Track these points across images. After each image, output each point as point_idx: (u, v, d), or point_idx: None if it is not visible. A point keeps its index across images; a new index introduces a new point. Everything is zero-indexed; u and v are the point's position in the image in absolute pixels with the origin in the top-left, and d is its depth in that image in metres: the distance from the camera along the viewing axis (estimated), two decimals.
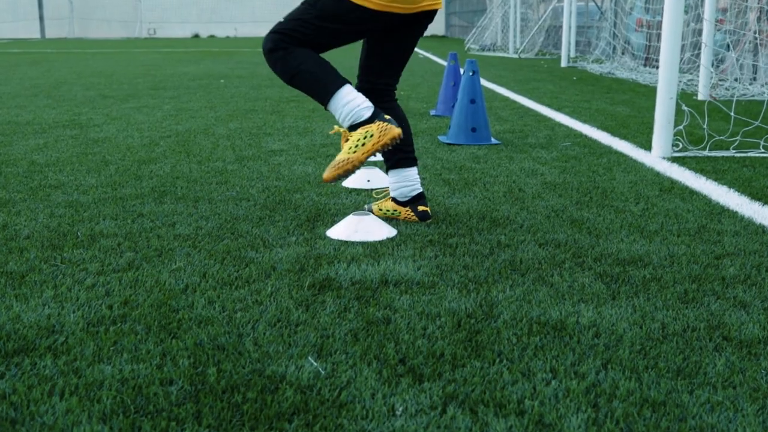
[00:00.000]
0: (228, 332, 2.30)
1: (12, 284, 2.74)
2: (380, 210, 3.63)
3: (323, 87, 3.26)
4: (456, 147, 5.58)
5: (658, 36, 13.59)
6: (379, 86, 3.52)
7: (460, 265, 2.92)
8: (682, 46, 12.80)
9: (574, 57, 16.99)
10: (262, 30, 46.42)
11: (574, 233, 3.35)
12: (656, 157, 5.14)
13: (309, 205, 3.85)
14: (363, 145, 3.19)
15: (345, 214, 3.65)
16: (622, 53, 14.60)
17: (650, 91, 9.90)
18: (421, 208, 3.57)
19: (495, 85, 11.05)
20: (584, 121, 6.99)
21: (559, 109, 7.97)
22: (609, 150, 5.45)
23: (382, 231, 3.27)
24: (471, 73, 5.69)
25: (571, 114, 7.54)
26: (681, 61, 12.22)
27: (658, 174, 4.61)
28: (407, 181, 3.57)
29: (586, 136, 6.11)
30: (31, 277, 2.80)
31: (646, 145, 5.62)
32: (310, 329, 2.33)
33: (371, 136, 3.19)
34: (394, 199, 3.60)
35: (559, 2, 19.53)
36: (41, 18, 46.66)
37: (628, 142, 5.81)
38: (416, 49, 24.10)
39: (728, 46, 12.61)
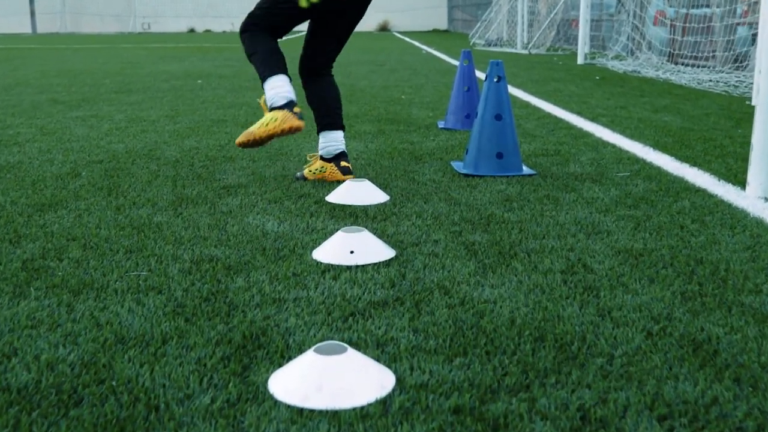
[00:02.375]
0: None
1: None
2: (311, 172, 4.15)
3: (264, 70, 3.92)
4: (477, 179, 4.07)
5: (684, 30, 12.11)
6: (316, 65, 4.22)
7: None
8: (719, 43, 11.31)
9: (591, 53, 15.43)
10: None
11: (709, 382, 1.83)
12: (756, 199, 3.63)
13: (254, 305, 2.34)
14: (267, 125, 3.77)
15: (310, 324, 2.15)
16: (648, 48, 13.06)
17: (692, 94, 8.41)
18: (343, 163, 4.12)
19: (510, 86, 9.50)
20: (631, 137, 5.48)
21: (594, 119, 6.45)
22: (684, 185, 3.94)
23: (367, 387, 1.76)
24: (496, 80, 4.16)
25: (611, 126, 6.03)
26: (721, 60, 10.72)
27: None
28: (333, 141, 4.11)
29: (643, 161, 4.60)
30: None
31: (729, 176, 4.13)
32: None
33: (276, 120, 3.76)
34: (321, 157, 4.14)
35: None
36: (32, 13, 45.59)
37: (702, 170, 4.31)
38: (418, 45, 22.53)
39: (753, 39, 11.17)
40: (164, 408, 1.75)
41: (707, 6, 12.41)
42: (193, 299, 2.40)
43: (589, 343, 2.08)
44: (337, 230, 3.04)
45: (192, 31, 44.27)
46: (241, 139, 3.81)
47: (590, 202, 3.62)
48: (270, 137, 3.75)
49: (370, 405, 1.75)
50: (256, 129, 3.76)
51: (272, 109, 3.78)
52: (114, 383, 1.86)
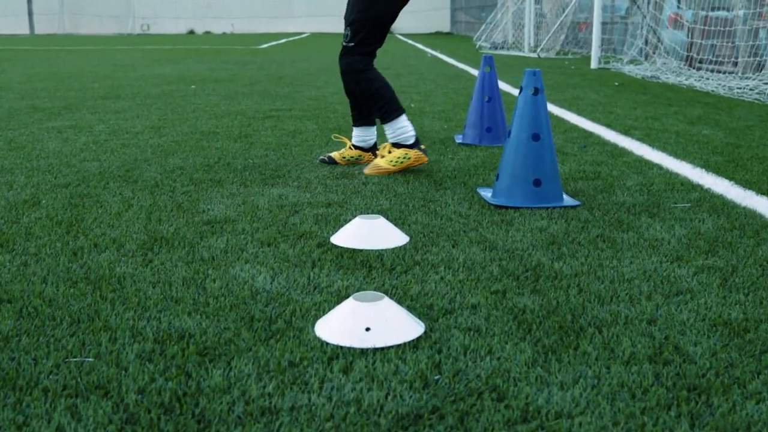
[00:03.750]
0: None
1: None
2: (344, 158, 4.50)
3: (390, 109, 4.22)
4: (511, 212, 3.38)
5: (702, 33, 11.43)
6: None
7: None
8: (738, 47, 10.64)
9: (604, 57, 14.74)
10: (260, 26, 44.78)
11: None
12: None
13: (233, 422, 1.68)
14: (401, 162, 4.18)
15: None
16: (667, 53, 12.38)
17: (722, 102, 7.75)
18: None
19: None
20: (676, 155, 4.80)
21: (626, 132, 5.77)
22: (761, 221, 3.28)
23: None
24: (533, 92, 3.46)
25: (648, 141, 5.35)
26: (744, 66, 10.03)
27: None
28: (370, 134, 4.55)
29: (700, 187, 3.92)
30: None
31: None
32: None
33: (409, 158, 4.18)
34: (358, 147, 4.53)
35: None
36: (30, 13, 45.13)
37: None
38: (423, 48, 21.84)
39: None
40: None
41: (726, 9, 11.78)
42: (150, 408, 1.70)
43: None
44: (347, 290, 2.34)
45: (192, 32, 43.64)
46: (371, 171, 4.20)
47: (655, 246, 2.93)
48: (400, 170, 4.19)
49: None
50: (389, 166, 4.17)
51: (401, 146, 4.20)
52: None
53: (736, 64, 10.95)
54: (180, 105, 7.74)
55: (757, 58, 10.65)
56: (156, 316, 2.26)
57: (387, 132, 4.21)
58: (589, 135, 5.74)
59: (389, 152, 4.16)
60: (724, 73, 10.84)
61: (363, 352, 2.00)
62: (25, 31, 44.43)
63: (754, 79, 9.71)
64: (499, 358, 1.97)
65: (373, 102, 4.19)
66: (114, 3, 45.24)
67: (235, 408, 1.73)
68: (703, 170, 4.42)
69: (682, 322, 2.22)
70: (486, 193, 3.71)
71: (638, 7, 14.32)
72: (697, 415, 1.70)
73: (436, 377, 1.86)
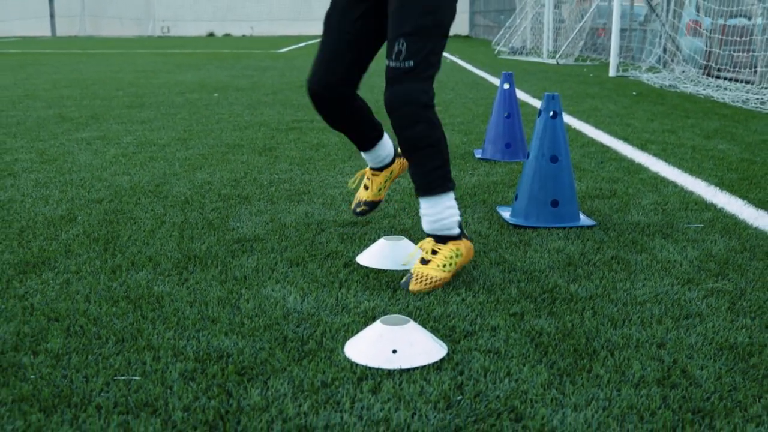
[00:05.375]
0: None
1: None
2: (379, 191, 3.54)
3: (445, 173, 2.92)
4: (529, 232, 3.52)
5: (720, 42, 11.52)
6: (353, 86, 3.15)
7: None
8: (759, 57, 10.72)
9: (622, 64, 14.84)
10: (279, 28, 45.03)
11: None
12: None
13: None
14: (453, 265, 2.90)
15: None
16: (685, 61, 12.48)
17: (739, 114, 7.86)
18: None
19: None
20: (691, 172, 4.93)
21: (643, 147, 5.90)
22: None
23: None
24: (551, 115, 3.61)
25: (665, 157, 5.48)
26: (760, 76, 10.12)
27: None
28: (385, 149, 3.47)
29: (713, 206, 4.05)
30: None
31: None
32: None
33: (460, 255, 2.93)
34: (379, 168, 3.50)
35: (602, 1, 17.42)
36: (52, 15, 45.51)
37: None
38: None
39: None
40: None
41: (747, 17, 11.85)
42: (196, 425, 1.86)
43: None
44: (374, 311, 2.50)
45: (211, 35, 43.92)
46: (419, 288, 2.84)
47: (667, 269, 3.06)
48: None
49: None
50: (443, 273, 2.88)
51: (445, 239, 2.94)
52: None
53: (755, 73, 11.03)
54: (204, 115, 7.91)
55: None
56: (195, 335, 2.42)
57: (426, 214, 2.94)
58: (606, 150, 5.87)
59: (432, 251, 2.93)
60: (743, 82, 10.93)
61: (390, 373, 2.15)
62: (47, 33, 44.81)
63: None
64: (517, 380, 2.12)
65: (428, 158, 2.87)
66: (134, 5, 45.57)
67: (274, 426, 1.88)
68: (717, 188, 4.54)
69: (690, 345, 2.36)
70: (505, 213, 3.85)
71: (656, 14, 14.42)
72: None
73: (458, 398, 2.01)
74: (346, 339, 2.38)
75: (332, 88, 3.06)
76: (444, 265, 2.88)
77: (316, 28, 43.93)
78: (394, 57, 2.80)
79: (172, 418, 1.92)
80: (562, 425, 1.89)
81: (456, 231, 2.95)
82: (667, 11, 13.92)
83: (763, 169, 5.11)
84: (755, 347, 2.35)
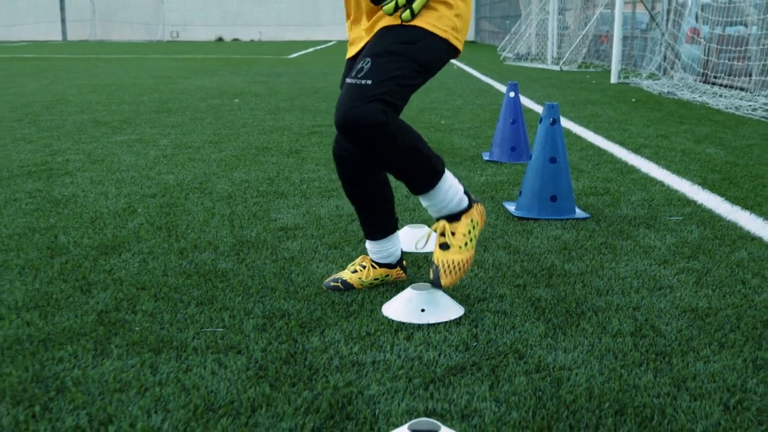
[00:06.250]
0: None
1: None
2: (362, 283, 3.17)
3: (432, 169, 2.76)
4: (532, 223, 4.10)
5: (717, 50, 12.08)
6: None
7: None
8: (754, 66, 11.29)
9: (624, 71, 15.42)
10: (287, 34, 45.60)
11: None
12: None
13: (333, 368, 2.41)
14: (472, 239, 2.85)
15: (392, 391, 2.21)
16: (683, 69, 13.06)
17: (730, 120, 8.42)
18: (404, 263, 3.25)
19: None
20: (678, 173, 5.50)
21: (636, 151, 6.48)
22: (739, 232, 3.96)
23: None
24: (551, 122, 4.20)
25: (656, 160, 6.05)
26: (757, 84, 10.69)
27: None
28: (392, 245, 3.19)
29: (694, 202, 4.62)
30: None
31: None
32: None
33: (476, 225, 2.88)
34: (381, 264, 3.17)
35: (605, 9, 18.00)
36: (63, 20, 46.03)
37: (755, 215, 4.35)
38: None
39: None
40: None
41: (744, 24, 12.36)
42: (274, 361, 2.45)
43: (668, 417, 2.11)
44: (403, 283, 3.09)
45: (220, 39, 44.53)
46: (451, 280, 2.85)
47: (648, 252, 3.65)
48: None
49: None
50: (465, 255, 2.84)
51: (461, 212, 2.86)
52: None
53: (750, 81, 11.60)
54: (229, 120, 8.51)
55: None
56: (260, 300, 3.01)
57: (429, 205, 2.86)
58: (603, 153, 6.45)
59: (450, 232, 2.85)
60: (739, 89, 11.50)
61: (420, 326, 2.75)
62: (58, 37, 45.35)
63: (765, 96, 10.38)
64: (519, 332, 2.71)
65: (407, 167, 2.72)
66: (144, 10, 46.11)
67: (333, 362, 2.48)
68: (700, 187, 5.12)
69: (660, 309, 2.95)
70: (510, 207, 4.44)
71: (657, 23, 15.01)
72: (659, 369, 2.44)
73: (474, 343, 2.60)
74: (382, 303, 2.97)
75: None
76: (465, 244, 2.82)
77: (324, 34, 44.50)
78: (353, 74, 2.59)
79: (254, 356, 2.52)
80: (554, 362, 2.48)
81: (465, 203, 2.84)
82: (667, 20, 14.51)
83: (743, 171, 5.69)
84: (712, 310, 2.94)
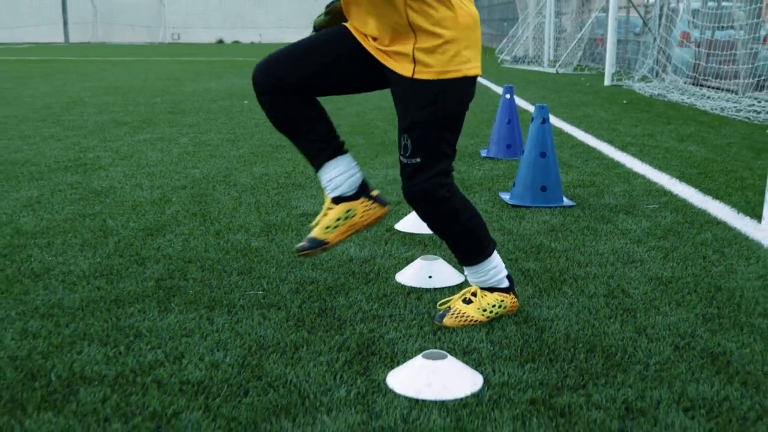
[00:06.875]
0: None
1: None
2: (327, 226, 2.99)
3: (481, 248, 2.92)
4: (524, 210, 4.66)
5: (708, 55, 12.63)
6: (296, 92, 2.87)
7: None
8: (741, 69, 11.83)
9: (617, 74, 15.99)
10: (287, 36, 46.04)
11: (723, 384, 2.42)
12: None
13: (358, 320, 2.94)
14: (495, 313, 2.97)
15: (407, 335, 2.74)
16: (674, 71, 13.62)
17: (715, 121, 8.98)
18: (374, 193, 3.05)
19: None
20: (659, 168, 6.05)
21: (623, 149, 7.03)
22: (707, 218, 4.51)
23: (464, 383, 2.35)
24: (541, 121, 4.76)
25: (640, 156, 6.60)
26: (744, 86, 11.25)
27: None
28: (346, 169, 3.00)
29: (670, 193, 5.17)
30: None
31: (747, 209, 4.70)
32: None
33: (504, 307, 2.99)
34: (339, 198, 2.99)
35: (600, 12, 18.56)
36: (65, 22, 46.39)
37: (723, 203, 4.88)
38: None
39: None
40: (312, 398, 2.35)
41: (732, 28, 12.87)
42: (309, 315, 3.01)
43: (629, 354, 2.67)
44: (412, 256, 3.65)
45: (221, 41, 45.04)
46: (455, 323, 2.93)
47: (625, 233, 4.20)
48: None
49: (466, 397, 2.34)
50: (480, 317, 2.95)
51: (493, 290, 3.01)
52: (269, 380, 2.46)
53: (737, 84, 12.16)
54: (242, 120, 9.06)
55: (755, 80, 11.85)
56: (291, 271, 3.57)
57: (470, 275, 2.99)
58: (592, 150, 7.01)
59: (480, 295, 2.97)
60: (726, 91, 12.05)
61: (428, 290, 3.30)
62: (60, 39, 45.74)
63: (749, 97, 10.95)
64: None
65: (463, 241, 2.91)
66: (145, 13, 46.52)
67: (357, 315, 3.03)
68: (678, 180, 5.68)
69: (630, 277, 3.50)
70: (505, 196, 5.00)
71: (649, 28, 15.58)
72: (625, 321, 2.99)
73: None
74: (395, 272, 3.52)
75: (282, 85, 2.82)
76: (485, 310, 2.92)
77: None
78: (401, 151, 2.77)
79: (292, 311, 3.07)
80: (539, 316, 3.04)
81: (505, 284, 2.98)
82: (659, 25, 15.08)
83: (719, 166, 6.25)
84: (675, 278, 3.49)
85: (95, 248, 3.89)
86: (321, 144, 2.93)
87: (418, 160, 2.72)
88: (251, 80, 2.81)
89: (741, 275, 3.51)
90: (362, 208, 2.96)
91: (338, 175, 2.93)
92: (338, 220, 2.94)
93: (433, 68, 2.65)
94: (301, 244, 2.98)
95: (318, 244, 2.94)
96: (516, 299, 3.00)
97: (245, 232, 4.19)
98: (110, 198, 5.00)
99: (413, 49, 2.64)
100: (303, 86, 2.80)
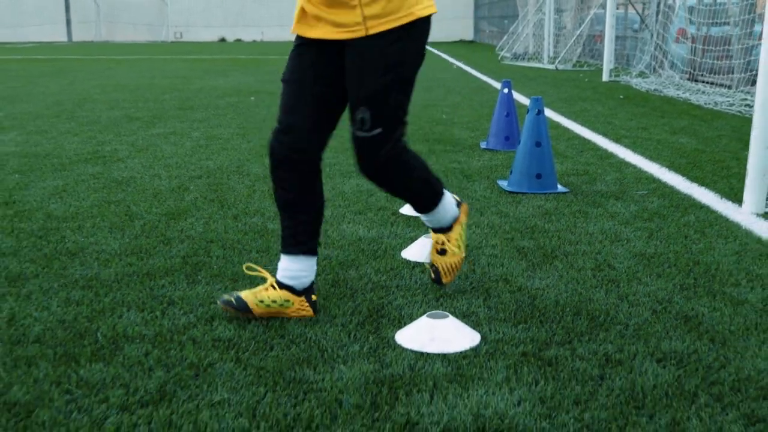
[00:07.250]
0: None
1: (15, 428, 2.17)
2: (260, 303, 2.92)
3: (431, 191, 3.07)
4: (520, 196, 4.98)
5: (704, 51, 12.93)
6: (319, 152, 2.96)
7: (570, 398, 2.33)
8: (735, 65, 12.14)
9: (615, 70, 16.31)
10: (289, 34, 46.24)
11: (693, 341, 2.75)
12: (749, 214, 4.52)
13: (368, 289, 3.26)
14: (463, 239, 3.24)
15: (412, 302, 3.08)
16: (671, 67, 13.93)
17: (708, 115, 9.29)
18: (314, 297, 3.02)
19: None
20: (650, 158, 6.38)
21: (617, 141, 7.35)
22: (692, 202, 4.83)
23: (464, 339, 2.68)
24: (536, 113, 5.08)
25: (633, 147, 6.92)
26: (738, 81, 11.55)
27: (760, 240, 3.99)
28: (307, 268, 3.00)
29: (659, 180, 5.50)
30: (37, 416, 2.23)
31: (731, 195, 5.00)
32: None
33: (464, 225, 3.25)
34: (285, 286, 2.94)
35: (599, 9, 18.88)
36: (68, 21, 46.63)
37: (708, 190, 5.20)
38: (446, 57, 23.45)
39: None
40: (330, 351, 2.68)
41: (727, 24, 13.15)
42: (324, 285, 3.34)
43: (611, 317, 3.00)
44: (416, 236, 3.97)
45: (223, 40, 45.35)
46: (449, 279, 3.23)
47: (614, 216, 4.53)
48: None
49: (466, 351, 2.67)
50: (458, 257, 3.21)
51: (451, 225, 3.22)
52: (291, 337, 2.80)
53: (732, 79, 12.46)
54: (250, 115, 9.38)
55: (749, 75, 12.15)
56: None
57: (429, 221, 3.19)
58: (587, 142, 7.33)
59: (446, 241, 3.19)
60: (721, 86, 12.36)
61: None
62: (63, 38, 46.01)
63: (742, 92, 11.26)
64: (506, 267, 3.59)
65: (417, 193, 3.05)
66: (148, 11, 46.79)
67: (368, 286, 3.36)
68: (667, 169, 6.00)
69: (616, 253, 3.83)
70: (503, 183, 5.33)
71: (646, 24, 15.89)
72: (609, 290, 3.32)
73: (473, 275, 3.49)
74: (401, 249, 3.85)
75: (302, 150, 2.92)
76: (458, 247, 3.19)
77: None
78: (358, 126, 2.75)
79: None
80: (531, 285, 3.37)
81: (456, 211, 3.17)
82: (656, 21, 15.39)
83: (708, 156, 6.57)
84: (657, 254, 3.82)
85: (123, 230, 4.21)
86: (305, 237, 2.96)
87: (379, 130, 2.72)
88: (268, 154, 2.96)
89: (719, 252, 3.83)
90: (298, 305, 2.95)
91: (300, 270, 2.95)
92: (274, 302, 2.90)
93: (382, 18, 2.64)
94: (228, 298, 2.91)
95: (243, 309, 2.89)
96: (465, 205, 3.25)
97: (261, 216, 4.52)
98: (131, 187, 5.32)
99: (359, 5, 2.62)
100: (315, 127, 2.87)
